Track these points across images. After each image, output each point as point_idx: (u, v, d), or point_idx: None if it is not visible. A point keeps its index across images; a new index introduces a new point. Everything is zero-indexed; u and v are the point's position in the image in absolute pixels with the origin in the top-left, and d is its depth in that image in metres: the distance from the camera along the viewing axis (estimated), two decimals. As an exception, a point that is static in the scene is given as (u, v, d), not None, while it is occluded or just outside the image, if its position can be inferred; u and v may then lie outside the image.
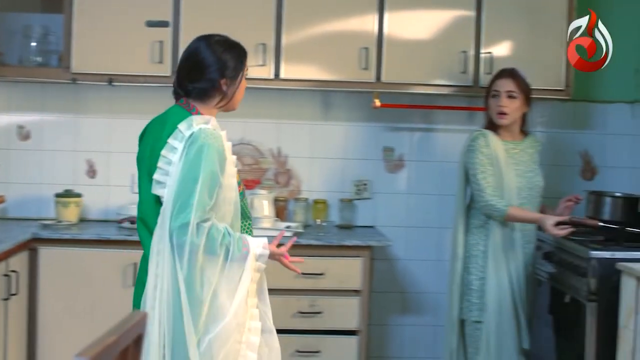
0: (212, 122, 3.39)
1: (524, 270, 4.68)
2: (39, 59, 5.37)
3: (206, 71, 3.47)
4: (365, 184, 5.75)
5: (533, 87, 4.81)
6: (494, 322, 4.62)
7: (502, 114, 4.71)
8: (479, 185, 4.66)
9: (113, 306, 4.86)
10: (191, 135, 3.30)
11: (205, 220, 3.25)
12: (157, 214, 3.35)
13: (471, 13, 5.33)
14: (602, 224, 4.80)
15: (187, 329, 3.24)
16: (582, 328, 4.43)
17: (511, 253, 4.66)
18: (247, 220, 3.57)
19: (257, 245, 3.41)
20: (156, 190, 3.35)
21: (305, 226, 5.50)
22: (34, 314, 4.99)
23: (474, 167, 4.69)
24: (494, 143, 4.70)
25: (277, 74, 5.24)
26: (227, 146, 3.41)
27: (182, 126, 3.34)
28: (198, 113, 3.46)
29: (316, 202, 5.68)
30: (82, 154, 5.61)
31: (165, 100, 5.46)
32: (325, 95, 5.70)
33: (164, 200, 3.31)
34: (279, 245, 3.54)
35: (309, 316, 5.04)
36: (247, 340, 3.38)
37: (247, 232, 3.54)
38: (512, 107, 4.71)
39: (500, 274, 4.63)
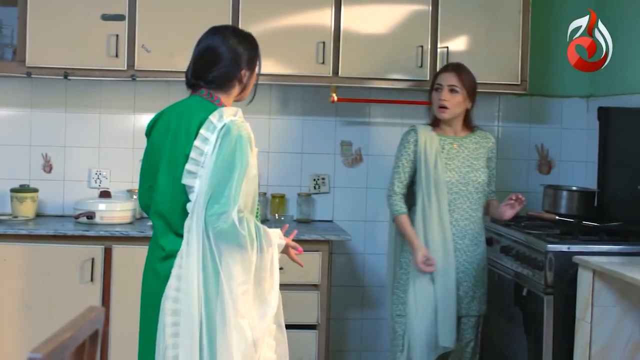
0: (239, 113, 3.43)
1: (454, 266, 4.59)
2: (-7, 52, 5.32)
3: (226, 63, 3.55)
4: (323, 179, 5.75)
5: (489, 82, 4.84)
6: (414, 317, 4.57)
7: (443, 107, 4.68)
8: (391, 179, 4.75)
9: (70, 302, 4.84)
10: (223, 126, 3.33)
11: (241, 210, 3.28)
12: (176, 203, 3.39)
13: (427, 8, 5.34)
14: (558, 217, 4.84)
15: (230, 317, 3.25)
16: (539, 321, 4.46)
17: (434, 249, 4.57)
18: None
19: (275, 235, 3.48)
20: (187, 180, 3.34)
21: (264, 221, 5.48)
22: (-11, 311, 4.94)
23: (395, 160, 4.78)
24: (426, 138, 4.68)
25: (234, 68, 5.21)
26: (253, 138, 3.44)
27: (213, 117, 3.36)
28: (222, 104, 3.50)
29: (274, 196, 5.67)
30: (37, 148, 5.56)
31: (120, 94, 5.52)
32: (282, 90, 5.69)
33: (196, 190, 3.31)
34: None
35: (268, 311, 5.03)
36: (269, 328, 3.44)
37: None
38: (453, 102, 4.67)
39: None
